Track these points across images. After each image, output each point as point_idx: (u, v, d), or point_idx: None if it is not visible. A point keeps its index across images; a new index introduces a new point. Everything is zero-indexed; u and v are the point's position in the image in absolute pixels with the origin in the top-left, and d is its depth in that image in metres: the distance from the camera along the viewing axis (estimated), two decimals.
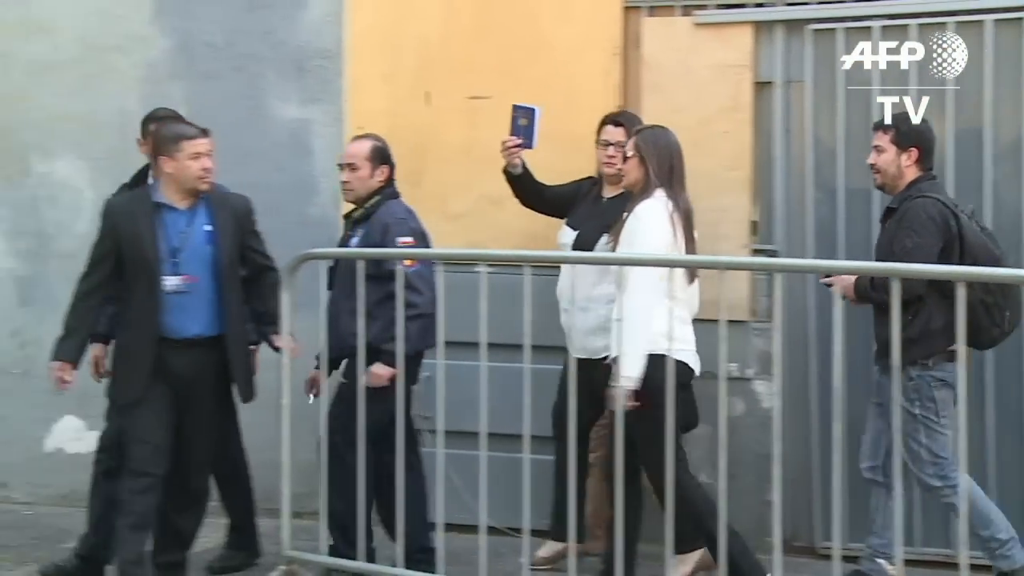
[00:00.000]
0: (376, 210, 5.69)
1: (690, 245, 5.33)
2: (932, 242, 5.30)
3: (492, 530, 5.36)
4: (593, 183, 6.03)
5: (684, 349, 5.21)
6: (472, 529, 5.28)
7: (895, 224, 5.41)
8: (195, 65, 6.98)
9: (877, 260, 5.49)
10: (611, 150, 5.87)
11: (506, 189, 6.11)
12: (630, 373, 5.05)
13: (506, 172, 6.03)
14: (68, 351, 5.35)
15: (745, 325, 6.12)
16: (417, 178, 6.40)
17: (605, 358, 5.33)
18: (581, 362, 5.28)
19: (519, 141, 5.92)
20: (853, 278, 5.33)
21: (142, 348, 5.34)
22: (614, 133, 5.90)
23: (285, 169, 6.82)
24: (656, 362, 5.01)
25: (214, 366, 5.43)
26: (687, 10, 6.39)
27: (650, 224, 5.23)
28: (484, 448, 5.14)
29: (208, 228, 5.40)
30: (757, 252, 6.25)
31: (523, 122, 5.91)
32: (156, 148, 5.41)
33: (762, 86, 6.30)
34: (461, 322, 5.21)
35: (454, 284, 5.26)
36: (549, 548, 5.96)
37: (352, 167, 5.74)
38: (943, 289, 5.08)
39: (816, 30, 6.15)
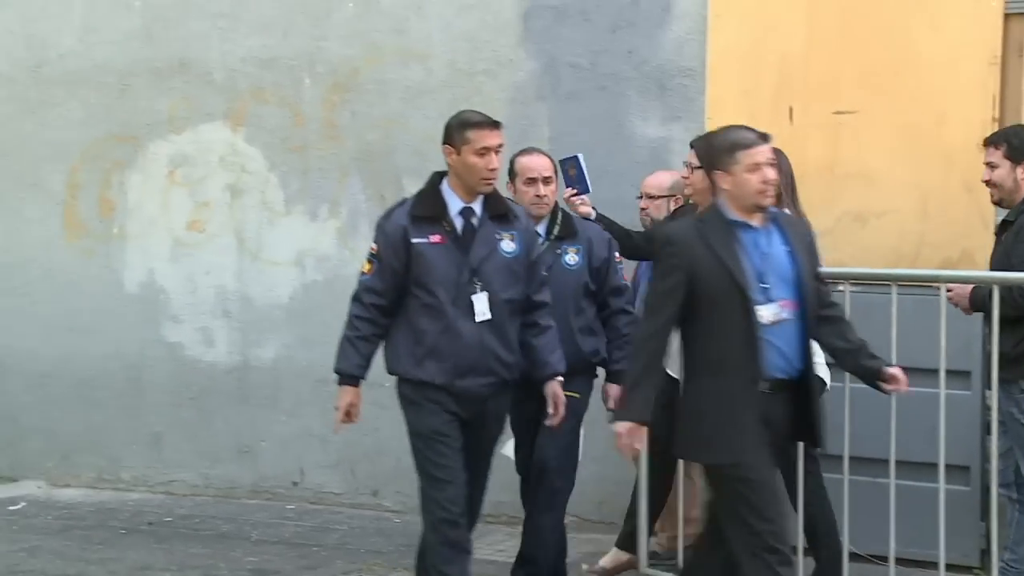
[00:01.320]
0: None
1: None
2: None
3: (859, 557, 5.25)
4: (691, 207, 5.73)
5: None
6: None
7: (1012, 236, 5.28)
8: (559, 86, 7.10)
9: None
10: (685, 170, 5.70)
11: (870, 205, 5.91)
12: None
13: None
14: (642, 410, 4.48)
15: None
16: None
17: None
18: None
19: (576, 191, 5.83)
20: (968, 289, 5.25)
21: (743, 395, 4.43)
22: (688, 155, 5.68)
23: None
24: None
25: (793, 413, 4.57)
26: None
27: None
28: (892, 476, 5.10)
29: (786, 248, 4.56)
30: None
31: (572, 172, 5.84)
32: (710, 160, 4.69)
33: None
34: None
35: None
36: None
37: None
38: None
39: None
